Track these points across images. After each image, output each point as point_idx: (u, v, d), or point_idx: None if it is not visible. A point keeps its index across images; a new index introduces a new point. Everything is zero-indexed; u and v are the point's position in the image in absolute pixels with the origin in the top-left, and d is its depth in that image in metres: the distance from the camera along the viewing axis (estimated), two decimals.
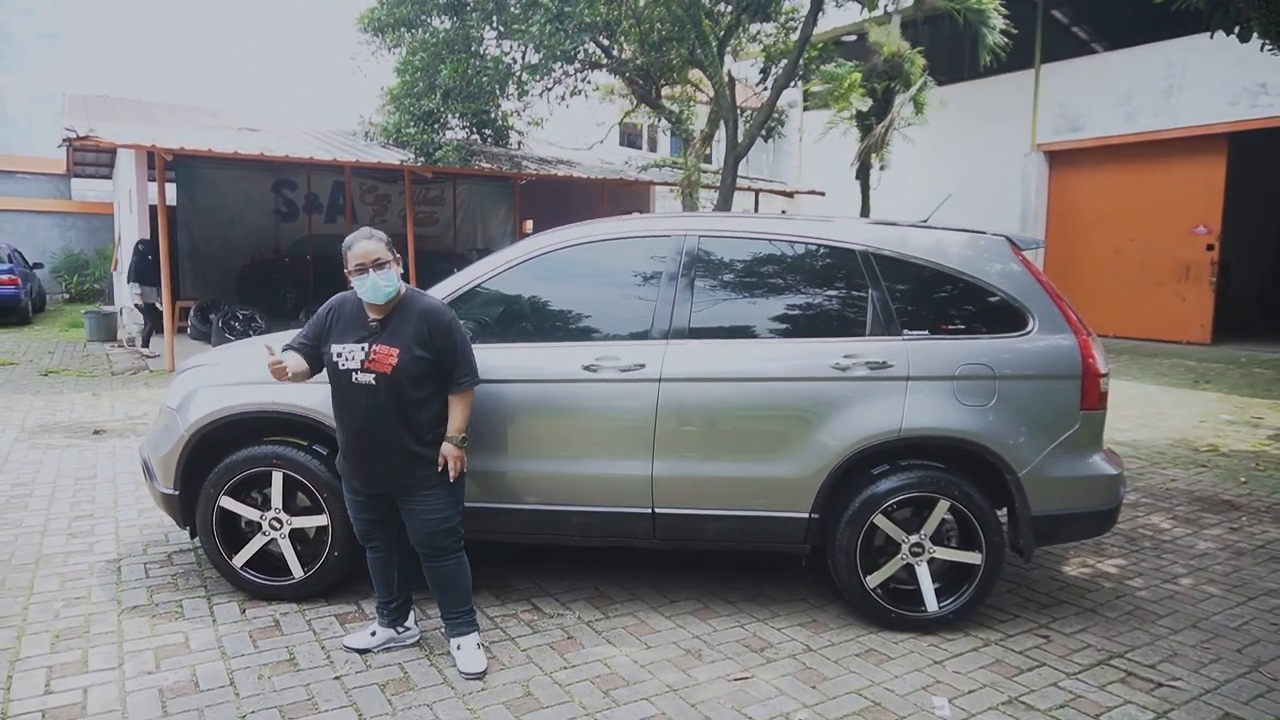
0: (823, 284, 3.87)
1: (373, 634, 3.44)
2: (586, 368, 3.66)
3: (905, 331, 3.69)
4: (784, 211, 20.81)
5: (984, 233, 3.93)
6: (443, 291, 3.85)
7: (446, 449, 3.22)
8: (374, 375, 3.11)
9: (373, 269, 3.09)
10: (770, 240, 3.91)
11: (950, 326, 3.73)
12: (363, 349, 3.14)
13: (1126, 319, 14.49)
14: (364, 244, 3.12)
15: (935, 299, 3.80)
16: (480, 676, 3.22)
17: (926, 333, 3.70)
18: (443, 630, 3.44)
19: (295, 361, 3.25)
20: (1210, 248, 13.50)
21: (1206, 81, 13.09)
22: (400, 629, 3.47)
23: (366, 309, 3.19)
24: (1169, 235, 13.93)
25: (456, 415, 3.25)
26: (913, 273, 3.80)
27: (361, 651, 3.39)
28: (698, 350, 3.71)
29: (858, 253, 3.81)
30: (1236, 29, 6.55)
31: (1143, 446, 7.20)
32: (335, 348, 3.18)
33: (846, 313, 3.78)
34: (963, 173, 16.40)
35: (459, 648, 3.30)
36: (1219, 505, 5.59)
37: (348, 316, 3.22)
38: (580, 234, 3.93)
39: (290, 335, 4.92)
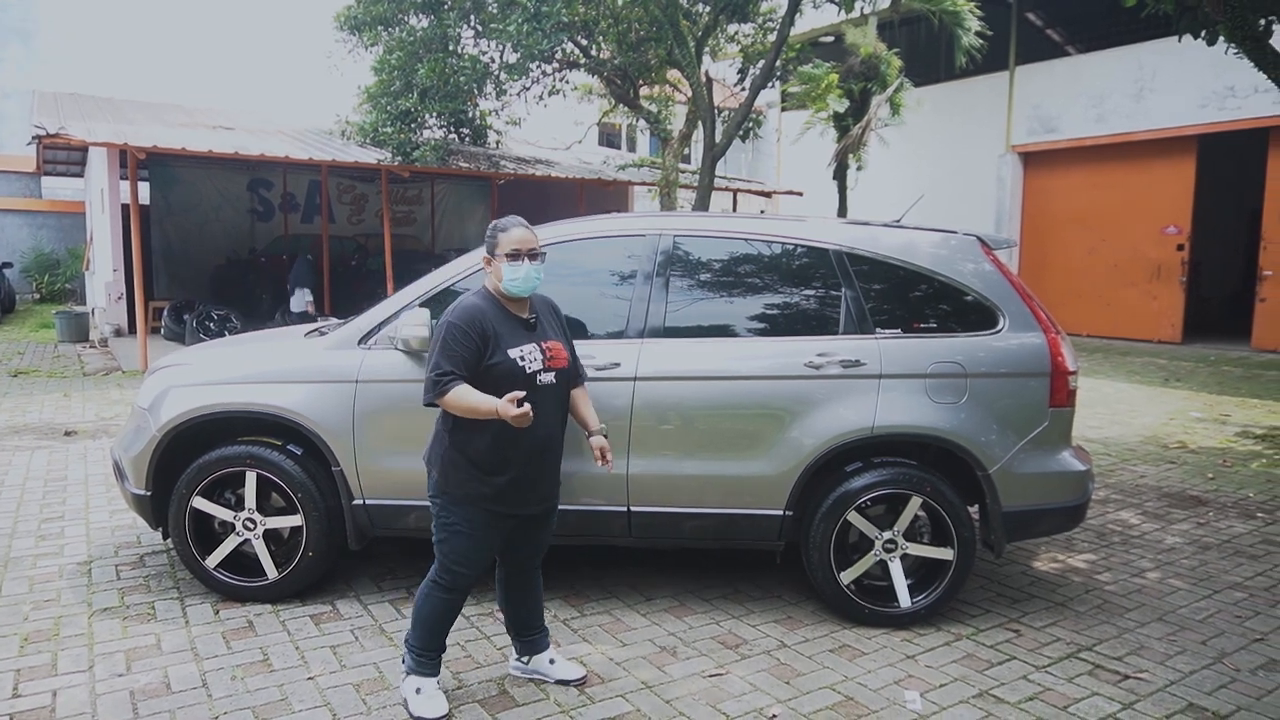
0: (796, 283, 3.90)
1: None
2: None
3: (878, 330, 3.73)
4: (763, 211, 20.90)
5: (955, 232, 3.97)
6: (415, 292, 3.86)
7: (600, 441, 3.05)
8: (554, 373, 2.92)
9: (528, 258, 2.86)
10: (744, 240, 3.94)
11: (922, 325, 3.77)
12: (538, 347, 2.90)
13: (1100, 318, 14.69)
14: (522, 231, 2.90)
15: (907, 298, 3.84)
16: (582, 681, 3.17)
17: (899, 331, 3.74)
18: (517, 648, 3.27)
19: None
20: (1181, 248, 13.71)
21: (1176, 84, 13.30)
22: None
23: (509, 306, 2.92)
24: (1141, 236, 14.13)
25: (592, 407, 3.14)
26: (885, 272, 3.84)
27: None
28: (672, 349, 3.73)
29: (831, 252, 3.84)
30: (1204, 33, 6.66)
31: (1114, 443, 7.31)
32: (514, 352, 2.84)
33: (820, 311, 3.81)
34: (939, 173, 16.54)
35: (553, 661, 3.20)
36: (1187, 501, 5.68)
37: (500, 320, 2.89)
38: (555, 233, 3.93)
39: (277, 331, 4.90)
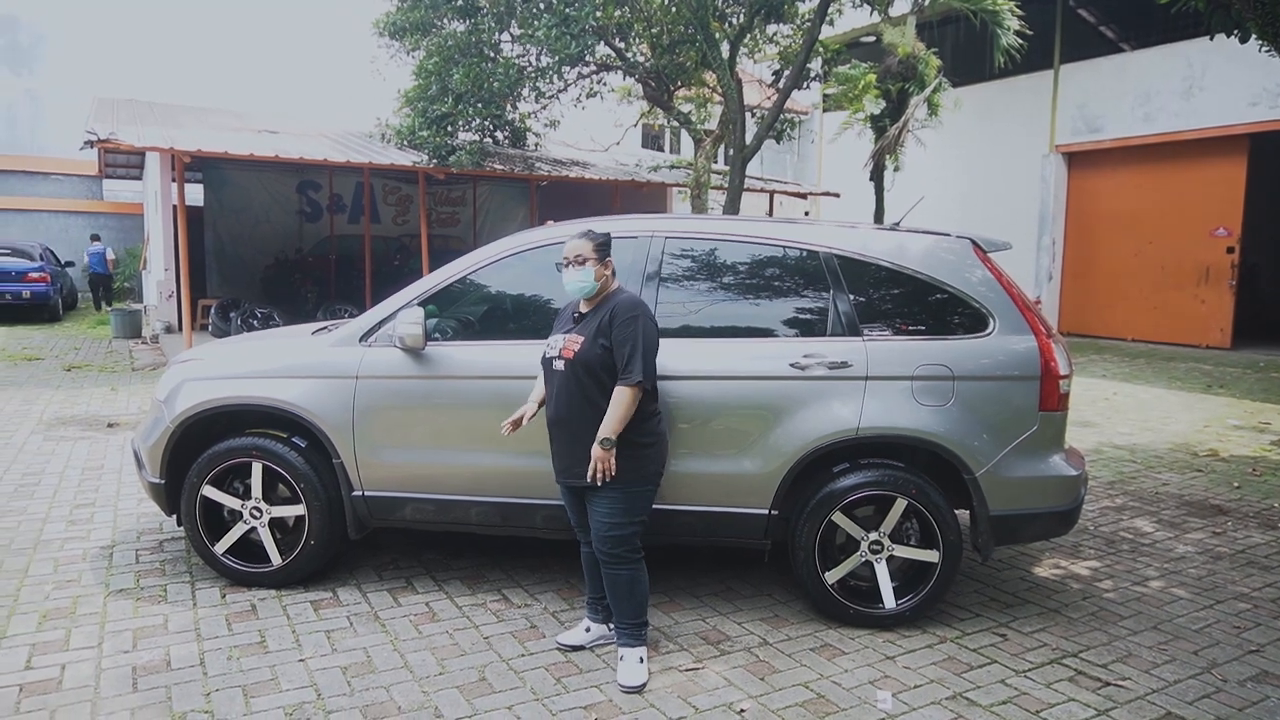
0: (785, 284, 3.94)
1: (586, 629, 3.52)
2: None
3: (865, 332, 3.74)
4: (806, 214, 20.76)
5: (949, 235, 3.97)
6: (415, 291, 3.99)
7: (593, 449, 3.16)
8: (564, 362, 3.26)
9: (571, 265, 3.28)
10: (735, 242, 3.98)
11: (910, 327, 3.78)
12: (563, 338, 3.32)
13: (1146, 322, 14.33)
14: (571, 241, 3.31)
15: (896, 300, 3.85)
16: (638, 690, 3.16)
17: (887, 333, 3.75)
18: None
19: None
20: (1230, 250, 13.30)
21: (1226, 82, 12.90)
22: (611, 626, 3.46)
23: (581, 302, 3.37)
24: (1189, 237, 13.74)
25: (612, 413, 3.14)
26: (874, 274, 3.85)
27: (574, 648, 3.47)
28: (663, 349, 3.78)
29: (820, 254, 3.87)
30: (1235, 31, 6.48)
31: (1141, 450, 7.16)
32: (549, 339, 3.40)
33: (808, 313, 3.84)
34: (980, 174, 16.30)
35: (621, 658, 3.27)
36: (1207, 510, 5.55)
37: (568, 312, 3.44)
38: (550, 235, 4.03)
39: (288, 329, 5.12)
